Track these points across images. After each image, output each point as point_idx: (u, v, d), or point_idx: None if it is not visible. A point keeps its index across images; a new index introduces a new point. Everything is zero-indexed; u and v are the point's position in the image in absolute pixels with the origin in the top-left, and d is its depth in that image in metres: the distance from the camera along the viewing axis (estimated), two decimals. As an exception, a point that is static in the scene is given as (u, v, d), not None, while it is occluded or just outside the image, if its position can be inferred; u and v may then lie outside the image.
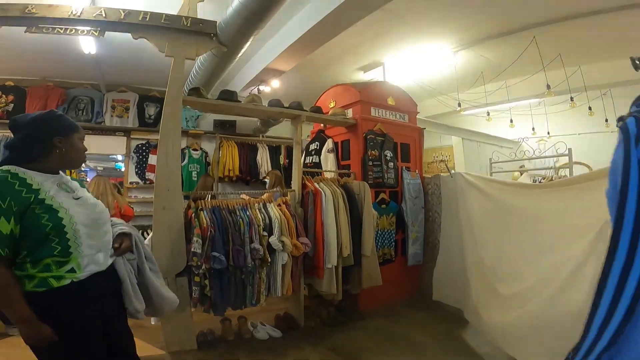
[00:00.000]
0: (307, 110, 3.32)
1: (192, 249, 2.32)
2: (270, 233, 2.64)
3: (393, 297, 3.58)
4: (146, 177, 5.50)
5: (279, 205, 2.85)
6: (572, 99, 5.31)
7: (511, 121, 6.14)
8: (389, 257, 3.68)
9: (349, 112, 3.70)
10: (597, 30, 4.39)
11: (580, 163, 3.74)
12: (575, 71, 5.33)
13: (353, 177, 3.53)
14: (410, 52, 5.12)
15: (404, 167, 3.84)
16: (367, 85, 3.95)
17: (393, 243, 3.71)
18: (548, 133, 7.22)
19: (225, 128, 5.92)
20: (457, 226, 3.20)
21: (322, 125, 4.06)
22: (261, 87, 5.43)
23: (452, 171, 3.40)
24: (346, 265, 3.10)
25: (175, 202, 2.50)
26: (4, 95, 4.78)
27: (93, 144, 5.40)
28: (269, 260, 2.63)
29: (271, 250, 2.64)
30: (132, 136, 5.51)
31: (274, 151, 6.13)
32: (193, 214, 2.46)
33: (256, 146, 5.99)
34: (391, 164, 3.65)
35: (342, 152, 3.82)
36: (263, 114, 3.44)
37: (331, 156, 3.75)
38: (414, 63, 5.40)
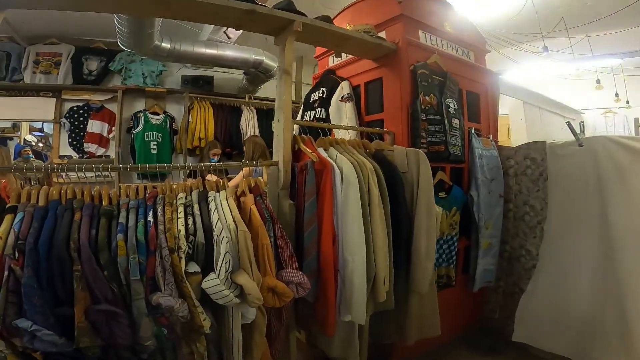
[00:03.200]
0: (304, 15, 1.67)
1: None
2: (208, 264, 1.09)
3: (445, 336, 2.01)
4: (85, 150, 3.96)
5: (238, 197, 1.29)
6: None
7: (598, 82, 4.48)
8: (446, 280, 2.14)
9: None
10: None
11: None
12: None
13: (391, 140, 1.94)
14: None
15: (471, 130, 2.24)
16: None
17: (454, 257, 2.15)
18: (627, 102, 5.52)
19: (197, 85, 4.31)
20: (593, 233, 1.68)
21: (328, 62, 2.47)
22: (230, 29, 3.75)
23: (580, 134, 1.81)
24: (380, 310, 1.57)
25: None
26: None
27: (8, 107, 3.97)
28: (210, 324, 1.10)
29: (215, 304, 1.10)
30: (63, 97, 3.92)
31: (264, 116, 4.54)
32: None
33: (240, 108, 4.40)
34: (456, 122, 2.05)
35: (366, 100, 2.23)
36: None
37: (348, 107, 2.17)
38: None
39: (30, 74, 3.84)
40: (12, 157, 4.00)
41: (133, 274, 0.93)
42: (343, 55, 2.39)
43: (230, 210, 1.18)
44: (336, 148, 1.54)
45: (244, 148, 3.30)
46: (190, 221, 1.09)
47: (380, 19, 2.10)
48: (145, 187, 1.17)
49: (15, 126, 4.63)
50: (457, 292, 2.21)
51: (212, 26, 3.54)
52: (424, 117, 1.89)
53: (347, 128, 2.02)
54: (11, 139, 4.63)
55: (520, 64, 4.79)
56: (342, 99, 2.20)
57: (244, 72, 4.39)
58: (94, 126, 3.98)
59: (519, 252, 2.28)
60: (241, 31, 3.63)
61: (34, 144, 4.50)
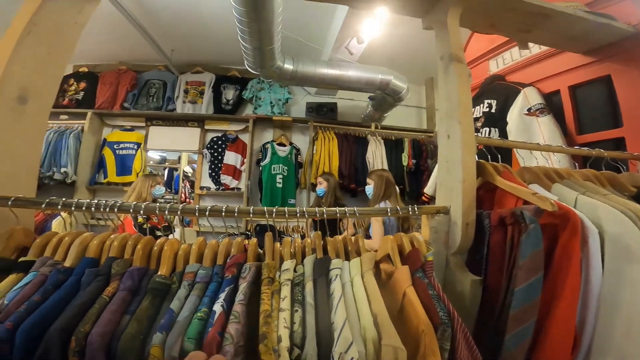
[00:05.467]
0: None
1: None
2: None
3: None
4: (221, 182, 4.09)
5: (378, 264, 0.73)
6: None
7: None
8: None
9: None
10: None
11: None
12: None
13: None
14: None
15: None
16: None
17: None
18: None
19: (322, 113, 4.13)
20: None
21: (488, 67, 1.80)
22: (352, 44, 3.37)
23: None
24: None
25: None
26: (75, 83, 4.08)
27: (164, 137, 4.49)
28: None
29: None
30: (206, 126, 4.21)
31: (393, 147, 4.01)
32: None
33: (366, 139, 3.99)
34: None
35: (576, 111, 1.47)
36: None
37: (544, 121, 1.46)
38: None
39: (181, 103, 4.17)
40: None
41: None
42: (516, 54, 1.71)
43: (369, 299, 0.63)
44: (566, 184, 0.85)
45: (369, 182, 2.85)
46: (297, 318, 0.58)
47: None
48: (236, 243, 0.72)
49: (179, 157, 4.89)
50: None
51: (333, 43, 3.28)
52: None
53: (578, 153, 1.27)
54: (176, 170, 4.95)
55: None
56: (530, 112, 1.49)
57: (369, 98, 4.02)
58: (230, 158, 4.11)
59: None
60: (364, 45, 3.27)
61: (190, 174, 4.94)
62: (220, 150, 4.15)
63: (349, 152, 3.87)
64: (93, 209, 0.66)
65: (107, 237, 0.67)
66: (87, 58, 4.14)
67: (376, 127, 4.11)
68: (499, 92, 1.72)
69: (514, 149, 1.43)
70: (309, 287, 0.64)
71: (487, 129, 1.65)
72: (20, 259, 0.62)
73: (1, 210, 0.68)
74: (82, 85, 4.10)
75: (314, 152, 3.89)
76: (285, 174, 3.94)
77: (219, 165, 4.12)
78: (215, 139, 4.17)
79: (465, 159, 0.89)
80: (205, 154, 4.16)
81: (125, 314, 0.53)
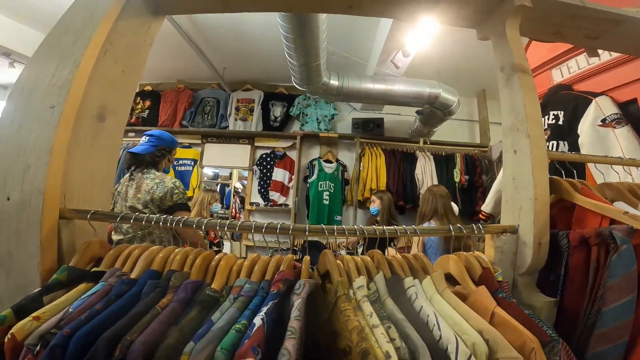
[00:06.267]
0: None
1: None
2: None
3: None
4: (269, 198, 4.20)
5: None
6: None
7: None
8: None
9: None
10: None
11: None
12: None
13: None
14: None
15: None
16: None
17: None
18: None
19: (368, 129, 4.11)
20: None
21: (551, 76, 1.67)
22: (398, 57, 3.30)
23: None
24: None
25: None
26: (141, 101, 4.47)
27: (217, 154, 4.71)
28: None
29: None
30: (256, 143, 4.38)
31: (444, 163, 3.85)
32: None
33: (414, 155, 3.88)
34: None
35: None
36: None
37: (622, 133, 1.32)
38: None
39: (233, 120, 4.39)
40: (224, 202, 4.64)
41: None
42: (582, 62, 1.58)
43: (462, 316, 0.59)
44: None
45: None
46: (393, 334, 0.55)
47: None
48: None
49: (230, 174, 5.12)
50: None
51: (378, 57, 3.26)
52: None
53: None
54: (227, 185, 5.10)
55: None
56: (605, 123, 1.36)
57: (416, 112, 3.93)
58: (278, 174, 4.21)
59: None
60: (410, 59, 3.21)
61: (240, 190, 5.15)
62: (268, 167, 4.27)
63: (396, 169, 3.79)
64: (161, 224, 0.70)
65: (172, 251, 0.70)
66: (150, 77, 4.53)
67: (425, 143, 4.00)
68: (566, 102, 1.58)
69: (589, 164, 1.29)
70: (390, 304, 0.62)
71: (555, 142, 1.52)
72: (93, 269, 0.67)
73: (80, 223, 0.74)
74: (147, 103, 4.47)
75: (361, 168, 3.86)
76: (332, 191, 3.94)
77: (268, 181, 4.24)
78: (264, 155, 4.31)
79: (537, 175, 0.82)
80: (255, 170, 4.31)
81: (172, 325, 0.54)
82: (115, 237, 1.83)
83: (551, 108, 1.63)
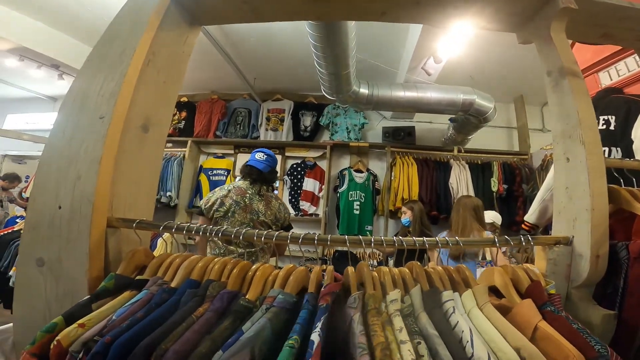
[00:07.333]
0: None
1: None
2: None
3: None
4: (300, 207, 4.21)
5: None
6: None
7: None
8: None
9: None
10: None
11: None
12: None
13: None
14: None
15: None
16: None
17: None
18: None
19: (399, 138, 4.04)
20: None
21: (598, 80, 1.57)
22: (429, 63, 3.21)
23: None
24: None
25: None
26: (177, 112, 4.66)
27: None
28: None
29: None
30: (286, 153, 4.43)
31: (480, 172, 3.70)
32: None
33: (448, 163, 3.76)
34: None
35: None
36: None
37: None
38: None
39: (264, 131, 4.47)
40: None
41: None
42: (632, 64, 1.47)
43: (500, 332, 0.55)
44: None
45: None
46: (422, 350, 0.52)
47: None
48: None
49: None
50: None
51: (408, 65, 3.19)
52: None
53: None
54: None
55: None
56: (668, 127, 1.24)
57: (449, 120, 3.81)
58: (308, 184, 4.21)
59: None
60: (442, 65, 3.12)
61: None
62: (299, 176, 4.29)
63: (429, 178, 3.68)
64: (201, 233, 0.71)
65: (211, 261, 0.70)
66: (186, 88, 4.70)
67: (459, 151, 3.86)
68: (617, 106, 1.47)
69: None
70: (424, 318, 0.59)
71: (607, 149, 1.41)
72: (137, 277, 0.68)
73: (126, 231, 0.76)
74: (183, 114, 4.66)
75: (392, 178, 3.79)
76: (363, 201, 3.89)
77: (299, 191, 4.25)
78: (294, 165, 4.34)
79: (594, 184, 0.76)
80: (286, 180, 4.34)
81: (206, 334, 0.54)
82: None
83: (601, 113, 1.52)
